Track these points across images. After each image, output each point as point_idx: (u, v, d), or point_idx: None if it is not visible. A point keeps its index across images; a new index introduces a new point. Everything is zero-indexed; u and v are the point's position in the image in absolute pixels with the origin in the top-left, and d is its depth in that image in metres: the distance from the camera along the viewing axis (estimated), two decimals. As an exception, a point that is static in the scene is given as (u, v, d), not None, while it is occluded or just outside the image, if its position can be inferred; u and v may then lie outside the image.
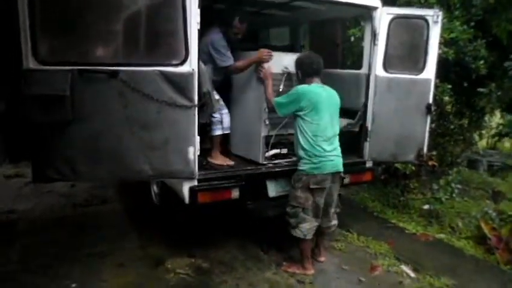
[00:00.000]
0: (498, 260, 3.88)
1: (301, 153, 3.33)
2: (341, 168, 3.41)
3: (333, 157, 3.33)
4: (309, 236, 3.42)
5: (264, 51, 3.55)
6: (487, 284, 3.49)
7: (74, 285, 3.21)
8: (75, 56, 2.75)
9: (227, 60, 3.70)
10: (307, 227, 3.37)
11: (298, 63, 3.48)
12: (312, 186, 3.29)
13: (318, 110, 3.28)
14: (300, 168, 3.34)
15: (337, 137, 3.44)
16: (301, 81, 3.46)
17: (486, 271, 3.73)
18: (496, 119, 7.11)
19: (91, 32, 2.83)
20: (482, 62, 5.28)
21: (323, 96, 3.33)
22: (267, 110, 3.61)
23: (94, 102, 2.78)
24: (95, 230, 4.23)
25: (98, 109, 2.80)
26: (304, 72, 3.43)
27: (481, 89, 5.39)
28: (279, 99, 3.42)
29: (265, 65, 3.54)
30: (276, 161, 3.75)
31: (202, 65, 3.45)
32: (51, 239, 3.96)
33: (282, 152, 3.79)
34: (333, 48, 5.31)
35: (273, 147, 3.74)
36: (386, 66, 3.91)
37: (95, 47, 2.90)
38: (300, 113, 3.30)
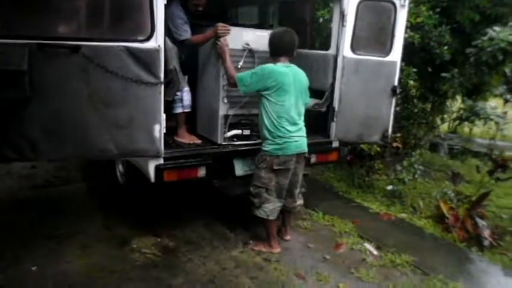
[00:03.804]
0: (455, 238, 4.05)
1: (265, 133, 3.31)
2: (305, 148, 3.42)
3: (297, 138, 3.33)
4: (272, 217, 3.44)
5: (219, 25, 3.41)
6: (444, 260, 3.64)
7: (34, 268, 3.11)
8: (33, 30, 2.59)
9: (183, 33, 3.62)
10: (270, 208, 3.40)
11: (272, 39, 3.36)
12: (275, 167, 3.29)
13: (283, 91, 3.23)
14: (264, 148, 3.33)
15: (303, 117, 3.44)
16: (270, 58, 3.39)
17: (444, 248, 3.89)
18: (457, 103, 7.34)
19: (51, 4, 2.68)
20: (446, 47, 5.43)
21: (289, 77, 3.27)
22: (225, 87, 3.52)
23: (55, 78, 2.66)
24: (57, 211, 4.10)
25: (60, 85, 2.68)
26: (274, 50, 3.35)
27: (444, 74, 5.54)
28: (242, 75, 3.29)
29: (222, 39, 3.41)
30: (237, 143, 3.67)
31: (169, 42, 3.37)
32: (10, 222, 3.79)
33: (245, 133, 3.71)
34: (301, 29, 5.28)
35: (234, 128, 3.65)
36: (354, 47, 3.93)
37: (56, 20, 2.74)
38: (265, 93, 3.24)
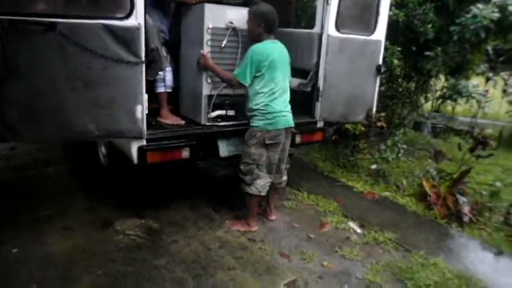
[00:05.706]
0: (436, 215, 4.12)
1: (254, 110, 3.30)
2: (292, 123, 3.45)
3: (285, 113, 3.36)
4: (264, 193, 3.47)
5: None
6: (426, 236, 3.72)
7: (15, 250, 3.06)
8: (5, 5, 2.46)
9: None
10: (261, 184, 3.42)
11: (263, 16, 3.27)
12: (267, 142, 3.30)
13: (273, 67, 3.24)
14: (254, 124, 3.32)
15: (288, 93, 3.44)
16: (256, 37, 3.32)
17: (425, 225, 3.96)
18: (440, 82, 7.40)
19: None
20: (430, 25, 5.42)
21: (277, 53, 3.29)
22: None
23: (31, 56, 2.56)
24: (38, 193, 4.03)
25: (36, 64, 2.59)
26: (268, 27, 3.29)
27: (428, 53, 5.55)
28: (238, 70, 3.28)
29: (207, 20, 3.35)
30: (221, 123, 3.63)
31: (150, 20, 3.28)
32: (-12, 205, 3.73)
33: (229, 114, 3.66)
34: (285, 7, 5.20)
35: (218, 108, 3.60)
36: (338, 26, 3.87)
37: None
38: (258, 74, 3.23)
